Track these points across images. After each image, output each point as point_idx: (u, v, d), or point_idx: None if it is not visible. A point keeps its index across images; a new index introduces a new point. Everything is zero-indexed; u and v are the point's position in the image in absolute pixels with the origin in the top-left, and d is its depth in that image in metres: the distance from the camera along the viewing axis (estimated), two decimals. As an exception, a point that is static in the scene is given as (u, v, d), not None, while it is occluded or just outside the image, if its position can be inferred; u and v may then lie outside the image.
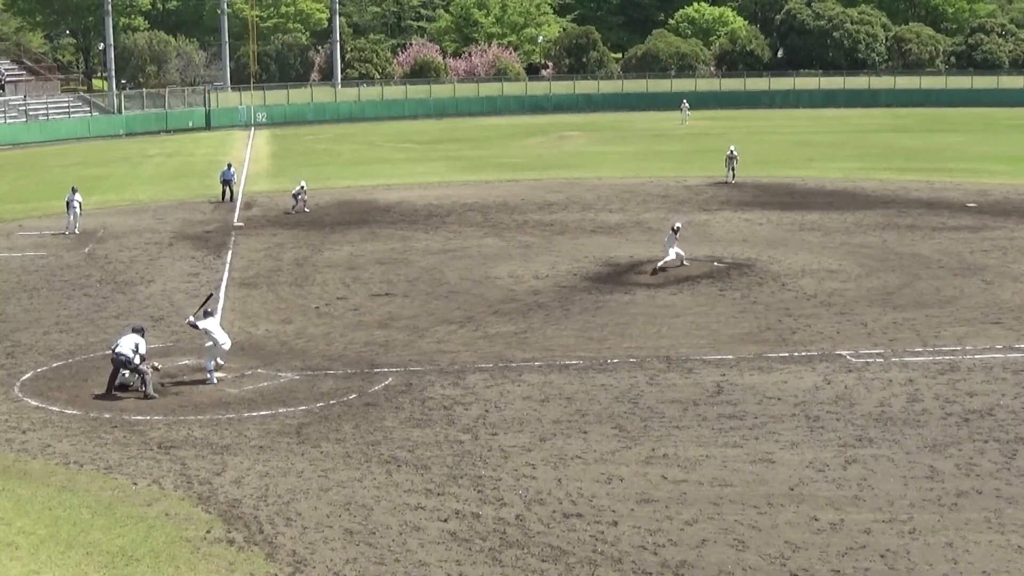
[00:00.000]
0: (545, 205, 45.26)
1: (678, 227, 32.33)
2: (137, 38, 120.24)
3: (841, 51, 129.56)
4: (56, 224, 41.19)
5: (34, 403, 20.91)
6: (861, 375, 21.91)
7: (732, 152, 51.06)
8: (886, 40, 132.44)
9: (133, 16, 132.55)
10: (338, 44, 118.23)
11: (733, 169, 50.63)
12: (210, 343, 21.93)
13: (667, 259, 31.32)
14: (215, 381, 21.81)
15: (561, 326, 26.04)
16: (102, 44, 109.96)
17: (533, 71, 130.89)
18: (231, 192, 48.03)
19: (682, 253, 31.68)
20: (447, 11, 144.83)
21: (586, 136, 77.81)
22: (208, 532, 14.99)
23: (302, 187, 44.80)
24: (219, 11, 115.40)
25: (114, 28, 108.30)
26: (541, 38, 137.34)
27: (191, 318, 22.72)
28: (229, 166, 49.14)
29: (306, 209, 44.20)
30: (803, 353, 23.49)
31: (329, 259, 34.85)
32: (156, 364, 21.95)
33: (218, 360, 22.26)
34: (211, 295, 25.58)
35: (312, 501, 16.09)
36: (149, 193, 51.49)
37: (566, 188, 50.25)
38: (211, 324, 22.02)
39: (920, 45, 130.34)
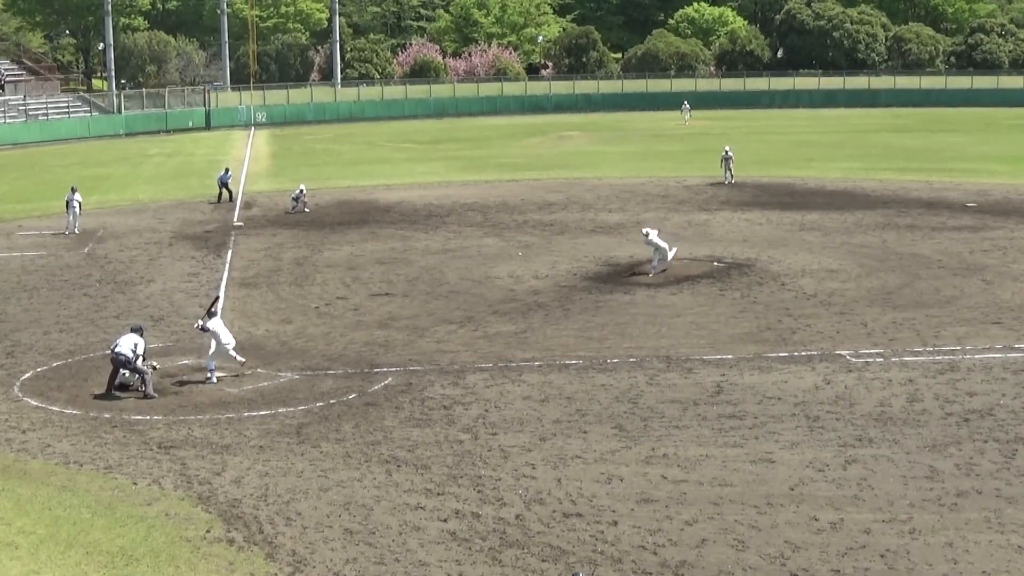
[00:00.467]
0: (545, 205, 45.27)
1: (646, 232, 31.75)
2: (137, 38, 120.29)
3: (841, 51, 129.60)
4: (56, 224, 41.19)
5: (34, 403, 20.92)
6: (861, 375, 21.91)
7: (727, 152, 51.04)
8: (886, 40, 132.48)
9: (133, 16, 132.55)
10: (338, 44, 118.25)
11: (730, 169, 50.61)
12: (214, 343, 21.92)
13: (655, 262, 31.10)
14: (215, 380, 21.82)
15: (561, 326, 26.04)
16: (102, 44, 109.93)
17: (533, 71, 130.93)
18: (229, 194, 47.99)
19: (657, 255, 31.26)
20: (447, 11, 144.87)
21: (586, 136, 77.81)
22: (208, 532, 14.99)
23: (301, 190, 44.82)
24: (219, 11, 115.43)
25: (114, 28, 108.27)
26: (541, 38, 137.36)
27: (200, 322, 22.64)
28: (227, 170, 49.14)
29: (306, 209, 44.20)
30: (803, 353, 23.49)
31: (329, 259, 34.85)
32: (154, 364, 21.97)
33: (238, 357, 22.18)
34: (217, 297, 25.61)
35: (312, 501, 16.09)
36: (149, 193, 51.50)
37: (566, 188, 50.26)
38: (215, 324, 22.03)
39: (920, 45, 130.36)
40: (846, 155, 62.81)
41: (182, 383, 21.97)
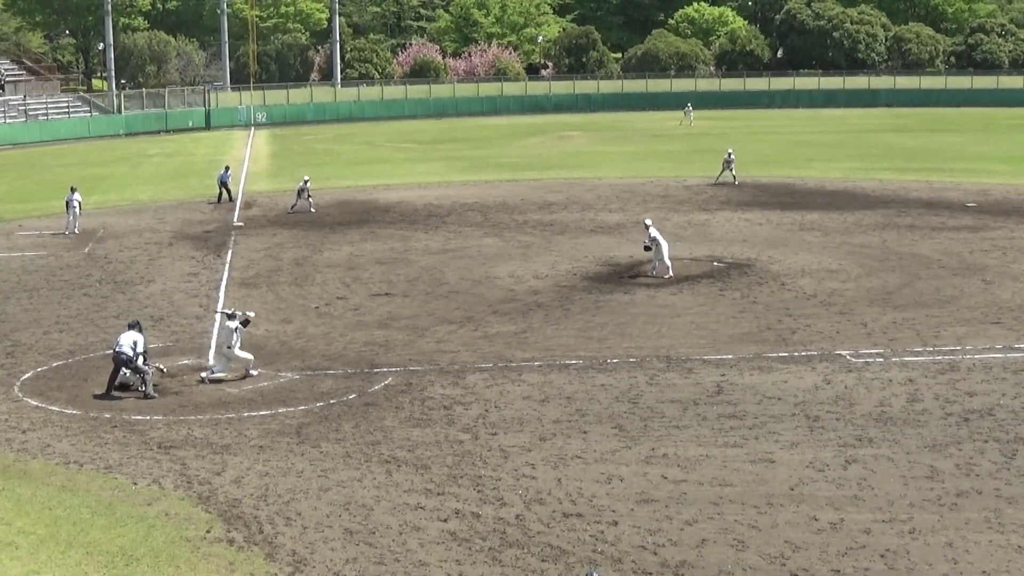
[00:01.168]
0: (545, 205, 45.26)
1: (648, 223, 31.87)
2: (137, 38, 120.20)
3: (841, 51, 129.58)
4: (56, 224, 41.18)
5: (34, 403, 20.92)
6: (861, 375, 21.91)
7: (729, 155, 50.96)
8: (886, 40, 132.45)
9: (133, 16, 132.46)
10: (338, 44, 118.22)
11: (732, 171, 50.57)
12: (230, 346, 21.91)
13: (655, 260, 31.11)
14: (202, 375, 21.86)
15: (561, 326, 26.04)
16: (102, 44, 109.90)
17: (533, 71, 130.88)
18: (228, 193, 47.97)
19: (656, 256, 31.27)
20: (447, 11, 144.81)
21: (586, 136, 77.80)
22: (208, 532, 14.99)
23: (305, 181, 44.69)
24: (219, 11, 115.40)
25: (114, 28, 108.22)
26: (541, 38, 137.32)
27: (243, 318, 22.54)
28: (227, 169, 49.11)
29: (312, 209, 43.90)
30: (803, 353, 23.49)
31: (329, 259, 34.85)
32: (160, 366, 21.97)
33: (249, 370, 22.20)
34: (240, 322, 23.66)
35: (312, 501, 16.09)
36: (149, 193, 51.49)
37: (566, 188, 50.25)
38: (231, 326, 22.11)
39: (920, 45, 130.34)
40: (846, 155, 62.81)
41: (186, 382, 21.99)
